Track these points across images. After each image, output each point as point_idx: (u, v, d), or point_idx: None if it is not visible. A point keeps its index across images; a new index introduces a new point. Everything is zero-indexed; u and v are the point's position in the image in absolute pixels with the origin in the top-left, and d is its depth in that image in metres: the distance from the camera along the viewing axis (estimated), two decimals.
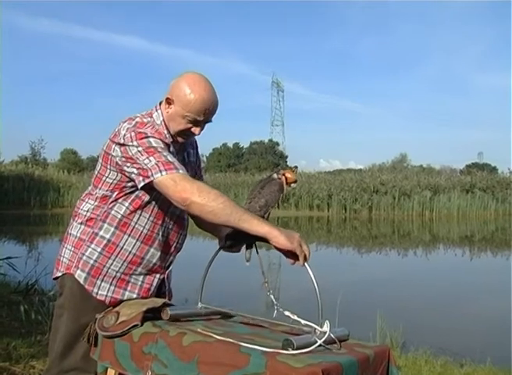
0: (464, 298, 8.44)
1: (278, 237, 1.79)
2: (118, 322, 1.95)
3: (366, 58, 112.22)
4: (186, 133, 2.12)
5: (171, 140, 2.11)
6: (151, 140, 1.98)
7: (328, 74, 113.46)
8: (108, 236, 2.10)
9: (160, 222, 2.14)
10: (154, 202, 2.10)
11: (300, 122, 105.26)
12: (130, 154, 1.98)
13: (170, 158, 1.95)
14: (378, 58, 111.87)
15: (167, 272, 2.27)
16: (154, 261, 2.16)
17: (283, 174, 2.04)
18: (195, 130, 2.10)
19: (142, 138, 1.98)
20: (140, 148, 1.96)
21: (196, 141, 2.37)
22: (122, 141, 2.00)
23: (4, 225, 16.51)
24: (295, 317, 1.76)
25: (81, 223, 2.15)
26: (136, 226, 2.11)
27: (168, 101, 2.09)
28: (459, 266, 12.24)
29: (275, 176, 2.04)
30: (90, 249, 2.12)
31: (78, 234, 2.16)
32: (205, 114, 2.07)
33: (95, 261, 2.11)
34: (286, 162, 53.43)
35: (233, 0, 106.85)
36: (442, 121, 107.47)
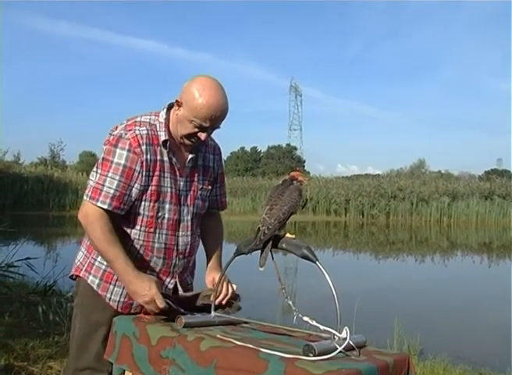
0: (482, 305, 8.35)
1: (131, 294, 2.04)
2: None
3: (384, 63, 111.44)
4: (193, 137, 2.10)
5: (164, 138, 2.09)
6: (118, 150, 2.03)
7: (346, 79, 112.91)
8: None
9: (152, 230, 2.12)
10: (141, 212, 2.10)
11: (318, 126, 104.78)
12: (100, 158, 2.08)
13: (108, 182, 2.01)
14: (396, 63, 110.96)
15: (184, 275, 2.27)
16: (159, 267, 2.16)
17: (295, 177, 2.03)
18: (201, 135, 2.08)
19: (111, 145, 2.05)
20: (102, 156, 2.06)
21: (219, 148, 2.36)
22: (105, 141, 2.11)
23: (23, 226, 16.62)
24: (314, 323, 1.74)
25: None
26: (132, 236, 2.12)
27: (178, 104, 2.09)
28: (477, 274, 12.12)
29: (294, 182, 2.02)
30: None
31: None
32: (212, 120, 2.04)
33: (107, 266, 2.12)
34: (304, 166, 53.30)
35: (252, 4, 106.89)
36: (461, 127, 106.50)
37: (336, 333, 1.65)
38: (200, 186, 2.24)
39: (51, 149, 38.29)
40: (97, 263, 2.15)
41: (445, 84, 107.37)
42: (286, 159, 54.99)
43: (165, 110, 2.15)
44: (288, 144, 60.33)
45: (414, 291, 9.35)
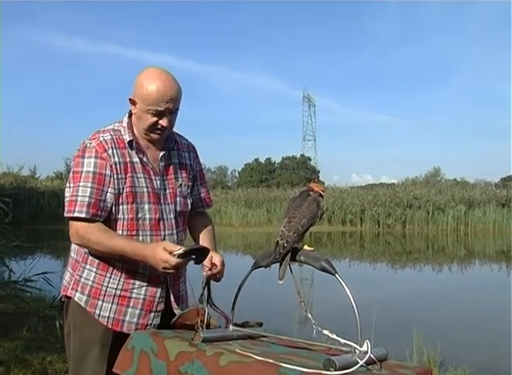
0: (502, 314, 8.22)
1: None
2: None
3: (397, 71, 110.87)
4: (157, 128, 2.12)
5: (129, 139, 2.12)
6: (85, 160, 2.06)
7: (359, 88, 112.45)
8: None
9: (135, 232, 2.11)
10: (120, 216, 2.09)
11: (332, 136, 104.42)
12: (71, 172, 2.11)
13: (80, 191, 2.03)
14: (410, 70, 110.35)
15: (177, 281, 2.25)
16: (148, 271, 2.12)
17: (313, 189, 2.01)
18: (162, 121, 2.10)
19: (78, 156, 2.09)
20: (72, 170, 2.09)
21: (193, 146, 2.38)
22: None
23: (39, 240, 16.72)
24: (334, 336, 1.71)
25: (75, 244, 2.17)
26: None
27: (132, 102, 2.13)
28: (496, 282, 11.99)
29: (311, 193, 2.00)
30: (86, 270, 2.14)
31: (74, 256, 2.19)
32: (165, 102, 2.07)
33: (93, 281, 2.12)
34: (319, 177, 53.21)
35: (262, 15, 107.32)
36: (476, 134, 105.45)
37: (357, 347, 1.63)
38: (179, 183, 2.24)
39: (67, 163, 38.43)
40: (83, 280, 2.14)
41: (460, 91, 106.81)
42: (301, 170, 54.96)
43: (126, 115, 2.19)
44: (302, 155, 60.29)
45: (432, 301, 9.25)
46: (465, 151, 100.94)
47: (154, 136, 2.14)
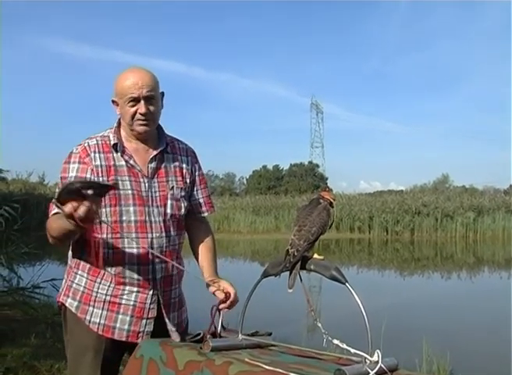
0: None
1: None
2: None
3: (405, 78, 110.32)
4: (138, 118, 2.13)
5: (114, 142, 2.15)
6: (70, 166, 2.12)
7: (367, 94, 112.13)
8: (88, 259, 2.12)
9: (119, 235, 2.09)
10: (104, 219, 2.08)
11: (340, 143, 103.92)
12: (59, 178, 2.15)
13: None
14: (418, 76, 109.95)
15: (170, 288, 2.23)
16: (137, 276, 2.11)
17: (324, 197, 2.00)
18: (140, 109, 2.11)
19: (65, 163, 2.13)
20: (60, 175, 2.14)
21: (192, 150, 2.37)
22: None
23: (48, 247, 16.78)
24: (344, 346, 1.70)
25: (70, 250, 2.19)
26: (102, 247, 2.09)
27: (115, 103, 2.18)
28: (506, 289, 11.89)
29: (321, 201, 1.99)
30: (78, 276, 2.14)
31: (69, 262, 2.21)
32: (137, 89, 2.09)
33: (84, 287, 2.12)
34: (327, 183, 53.13)
35: (269, 22, 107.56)
36: (485, 140, 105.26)
37: (368, 357, 1.61)
38: (171, 186, 2.21)
39: None
40: (74, 285, 2.14)
41: (468, 97, 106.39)
42: (309, 177, 54.94)
43: (117, 120, 2.23)
44: (310, 162, 60.30)
45: (442, 309, 9.19)
46: (474, 157, 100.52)
47: (138, 128, 2.15)
